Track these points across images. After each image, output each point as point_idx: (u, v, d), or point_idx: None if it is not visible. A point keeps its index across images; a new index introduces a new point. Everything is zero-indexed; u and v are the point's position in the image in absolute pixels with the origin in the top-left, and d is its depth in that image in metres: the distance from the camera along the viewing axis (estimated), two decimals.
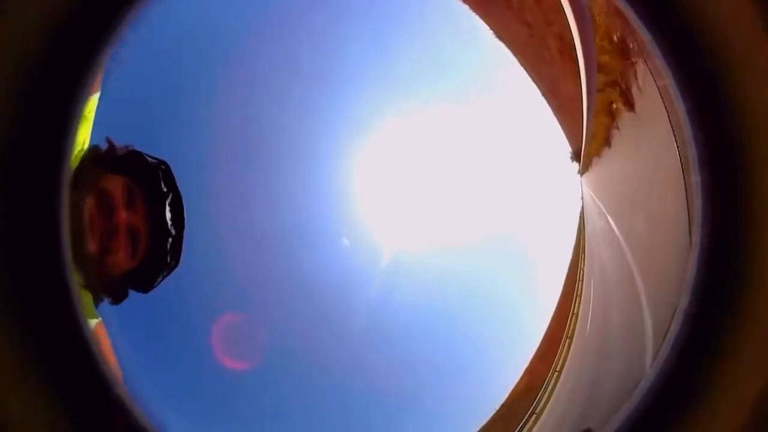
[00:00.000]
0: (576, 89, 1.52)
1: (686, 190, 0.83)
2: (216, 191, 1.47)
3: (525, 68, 1.58)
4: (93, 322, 0.97)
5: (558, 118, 1.57)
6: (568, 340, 1.55)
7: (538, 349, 1.58)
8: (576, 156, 1.56)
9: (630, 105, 1.36)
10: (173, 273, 1.22)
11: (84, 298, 0.69)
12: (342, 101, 1.60)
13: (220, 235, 1.48)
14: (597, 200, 1.55)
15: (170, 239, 1.18)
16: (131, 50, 1.08)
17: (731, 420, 0.72)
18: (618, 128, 1.45)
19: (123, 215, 1.11)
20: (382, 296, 1.63)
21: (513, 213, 1.68)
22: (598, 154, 1.54)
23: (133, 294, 1.18)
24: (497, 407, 1.53)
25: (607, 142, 1.51)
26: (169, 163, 1.20)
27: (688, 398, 0.73)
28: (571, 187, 1.59)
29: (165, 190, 1.17)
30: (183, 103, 1.42)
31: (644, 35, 0.80)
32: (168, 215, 1.17)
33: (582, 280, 1.58)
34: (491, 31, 1.56)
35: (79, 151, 1.02)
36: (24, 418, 0.64)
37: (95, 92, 0.97)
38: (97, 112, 1.06)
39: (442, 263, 1.70)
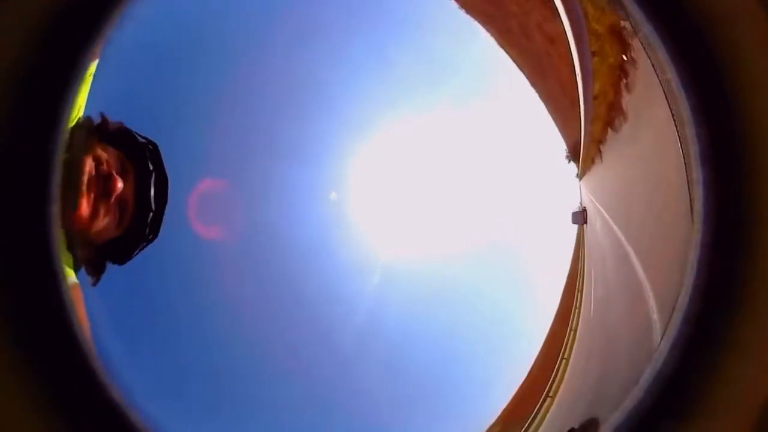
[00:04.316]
0: (574, 92, 1.52)
1: (688, 185, 0.83)
2: (212, 193, 1.47)
3: (526, 75, 1.58)
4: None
5: (554, 119, 1.57)
6: (567, 348, 1.53)
7: (537, 357, 1.56)
8: (573, 156, 1.56)
9: (628, 103, 1.36)
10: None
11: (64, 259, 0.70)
12: (337, 106, 1.61)
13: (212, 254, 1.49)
14: (598, 204, 1.54)
15: (151, 214, 1.26)
16: (128, 44, 1.10)
17: (740, 420, 0.70)
18: (616, 130, 1.44)
19: (119, 184, 1.18)
20: (376, 306, 1.61)
21: (510, 220, 1.68)
22: (596, 158, 1.54)
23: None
24: (494, 418, 1.51)
25: (604, 146, 1.51)
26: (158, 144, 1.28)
27: (690, 395, 0.72)
28: (570, 192, 1.58)
29: (152, 168, 1.26)
30: (181, 100, 1.44)
31: (646, 29, 0.80)
32: (152, 192, 1.25)
33: (581, 291, 1.56)
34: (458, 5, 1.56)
35: (75, 115, 1.07)
36: None
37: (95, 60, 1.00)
38: (91, 101, 1.08)
39: (438, 270, 1.69)
